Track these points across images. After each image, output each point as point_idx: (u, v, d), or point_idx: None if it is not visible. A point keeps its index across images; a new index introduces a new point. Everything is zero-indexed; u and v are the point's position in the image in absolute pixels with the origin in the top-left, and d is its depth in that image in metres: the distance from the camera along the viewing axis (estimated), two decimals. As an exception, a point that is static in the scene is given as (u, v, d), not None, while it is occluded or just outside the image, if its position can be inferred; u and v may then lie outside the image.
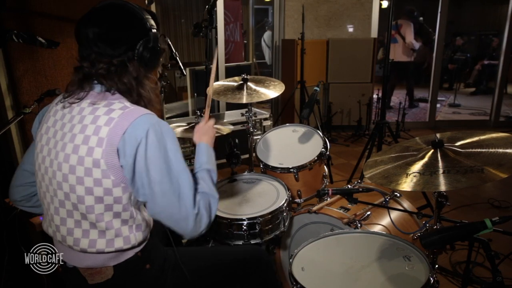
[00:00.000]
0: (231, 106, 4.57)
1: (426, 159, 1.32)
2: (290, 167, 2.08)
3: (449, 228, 1.10)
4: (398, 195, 1.94)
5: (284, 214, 1.82)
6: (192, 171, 1.21)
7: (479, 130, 1.44)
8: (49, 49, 2.28)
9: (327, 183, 2.30)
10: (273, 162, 2.17)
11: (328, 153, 2.19)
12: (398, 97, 7.31)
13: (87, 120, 1.11)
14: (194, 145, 1.40)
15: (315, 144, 2.23)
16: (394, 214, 1.82)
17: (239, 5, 6.07)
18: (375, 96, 5.28)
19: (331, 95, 5.19)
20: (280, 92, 2.25)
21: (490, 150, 1.26)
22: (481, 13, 10.00)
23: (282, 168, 2.11)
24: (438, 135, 1.40)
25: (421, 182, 1.22)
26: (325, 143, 2.20)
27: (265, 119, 4.02)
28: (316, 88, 2.48)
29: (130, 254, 1.19)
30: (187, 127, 2.30)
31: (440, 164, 1.26)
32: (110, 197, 1.10)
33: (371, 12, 5.18)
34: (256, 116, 3.63)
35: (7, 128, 2.07)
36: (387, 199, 1.83)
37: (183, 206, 1.10)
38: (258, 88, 2.28)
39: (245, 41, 6.94)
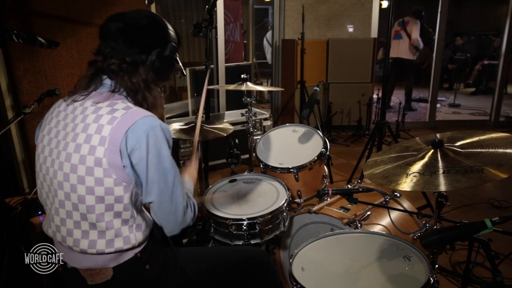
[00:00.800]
0: (231, 106, 4.58)
1: (426, 159, 1.32)
2: (290, 167, 2.08)
3: (449, 228, 1.10)
4: (398, 195, 1.94)
5: (284, 214, 1.82)
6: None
7: (479, 130, 1.43)
8: (49, 49, 2.28)
9: (327, 183, 2.30)
10: (273, 162, 2.17)
11: (328, 153, 2.19)
12: (398, 97, 7.31)
13: (89, 119, 1.12)
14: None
15: (315, 144, 2.23)
16: (394, 214, 1.82)
17: (239, 5, 6.07)
18: (375, 96, 5.28)
19: (331, 95, 5.19)
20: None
21: (490, 150, 1.26)
22: (481, 13, 10.01)
23: (282, 168, 2.11)
24: (438, 135, 1.39)
25: (421, 182, 1.22)
26: (325, 143, 2.20)
27: (265, 119, 4.02)
28: (316, 88, 2.48)
29: (130, 255, 1.19)
30: (187, 127, 2.30)
31: (440, 164, 1.26)
32: (111, 196, 1.11)
33: (371, 12, 5.18)
34: (256, 116, 3.64)
35: (7, 128, 2.07)
36: (387, 199, 1.83)
37: (174, 200, 1.19)
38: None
39: (245, 41, 6.95)
